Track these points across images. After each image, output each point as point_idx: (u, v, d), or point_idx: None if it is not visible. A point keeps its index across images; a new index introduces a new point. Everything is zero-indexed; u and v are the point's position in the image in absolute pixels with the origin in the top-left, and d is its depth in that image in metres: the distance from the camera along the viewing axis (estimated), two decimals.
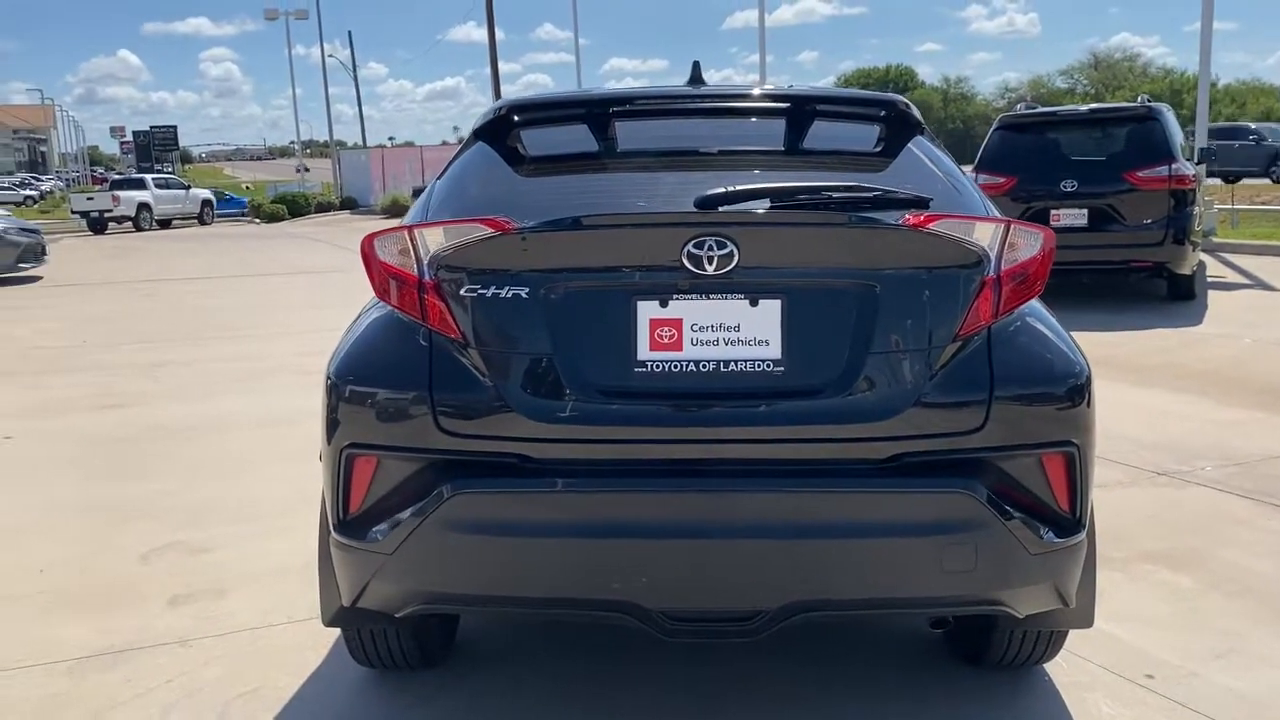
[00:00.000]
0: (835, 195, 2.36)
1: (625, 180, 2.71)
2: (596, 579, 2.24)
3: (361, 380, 2.36)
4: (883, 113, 2.78)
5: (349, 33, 71.36)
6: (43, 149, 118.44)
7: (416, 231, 2.32)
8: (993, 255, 2.32)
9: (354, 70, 58.06)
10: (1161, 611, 3.32)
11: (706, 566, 2.22)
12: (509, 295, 2.26)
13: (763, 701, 2.78)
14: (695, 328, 2.25)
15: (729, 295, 2.24)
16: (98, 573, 3.75)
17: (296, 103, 69.19)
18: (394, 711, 2.80)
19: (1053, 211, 9.49)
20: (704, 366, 2.24)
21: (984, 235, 2.32)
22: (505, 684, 2.91)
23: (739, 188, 2.35)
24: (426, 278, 2.31)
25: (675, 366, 2.24)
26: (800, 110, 2.80)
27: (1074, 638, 3.09)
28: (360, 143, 67.94)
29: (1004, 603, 2.32)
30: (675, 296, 2.25)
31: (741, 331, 2.24)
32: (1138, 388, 6.51)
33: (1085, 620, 2.63)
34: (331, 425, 2.37)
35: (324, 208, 36.77)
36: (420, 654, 2.82)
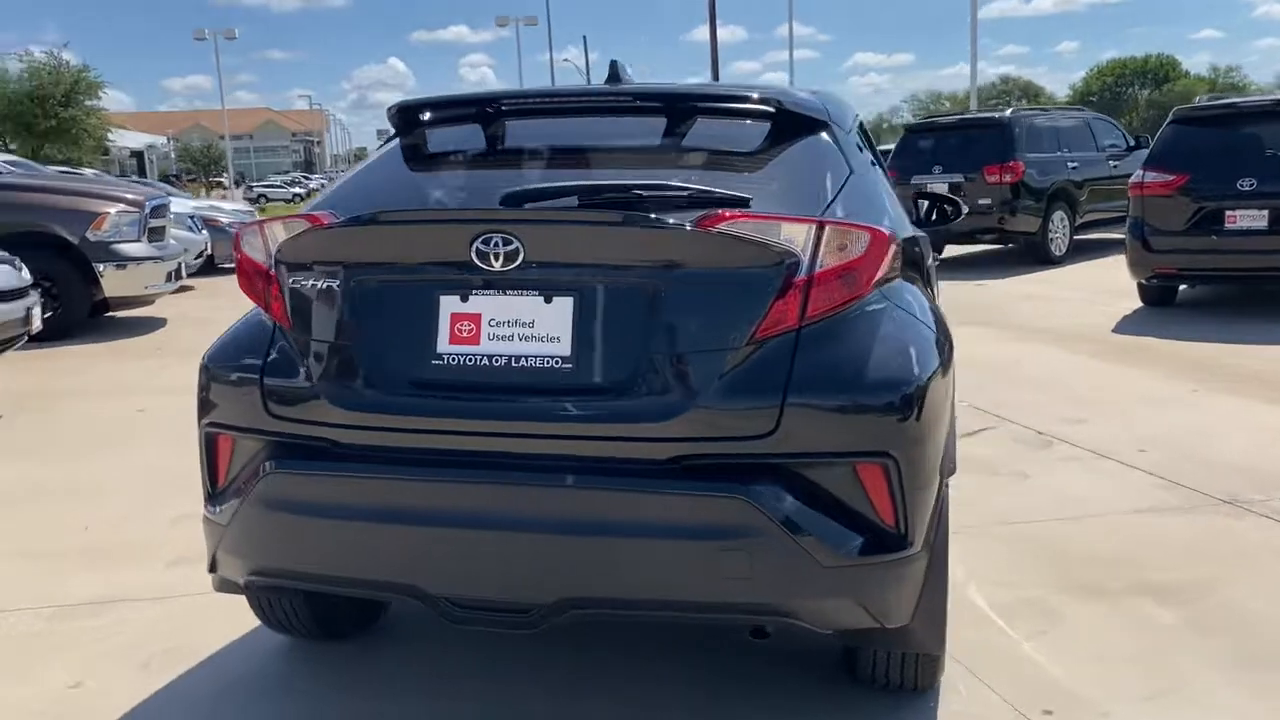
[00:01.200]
0: (644, 194, 2.34)
1: (465, 177, 2.76)
2: (387, 562, 2.34)
3: (219, 364, 2.56)
4: (765, 110, 2.72)
5: (584, 37, 73.47)
6: (316, 150, 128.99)
7: (267, 226, 2.49)
8: (804, 256, 2.25)
9: (587, 73, 59.98)
10: (1119, 646, 3.07)
11: (485, 557, 2.28)
12: (325, 287, 2.40)
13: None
14: (493, 323, 2.30)
15: (525, 292, 2.29)
16: (130, 532, 4.17)
17: None
18: (304, 674, 2.99)
19: (1228, 213, 8.69)
20: (497, 361, 2.29)
21: (793, 235, 2.25)
22: (433, 650, 3.03)
23: (545, 185, 2.38)
24: (271, 270, 2.48)
25: (471, 360, 2.31)
26: (680, 108, 2.77)
27: (995, 665, 2.94)
28: None
29: (792, 614, 2.25)
30: (475, 292, 2.31)
31: (535, 328, 2.28)
32: (1270, 405, 5.92)
33: (932, 645, 2.49)
34: (198, 405, 2.58)
35: None
36: (318, 625, 2.99)
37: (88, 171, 21.30)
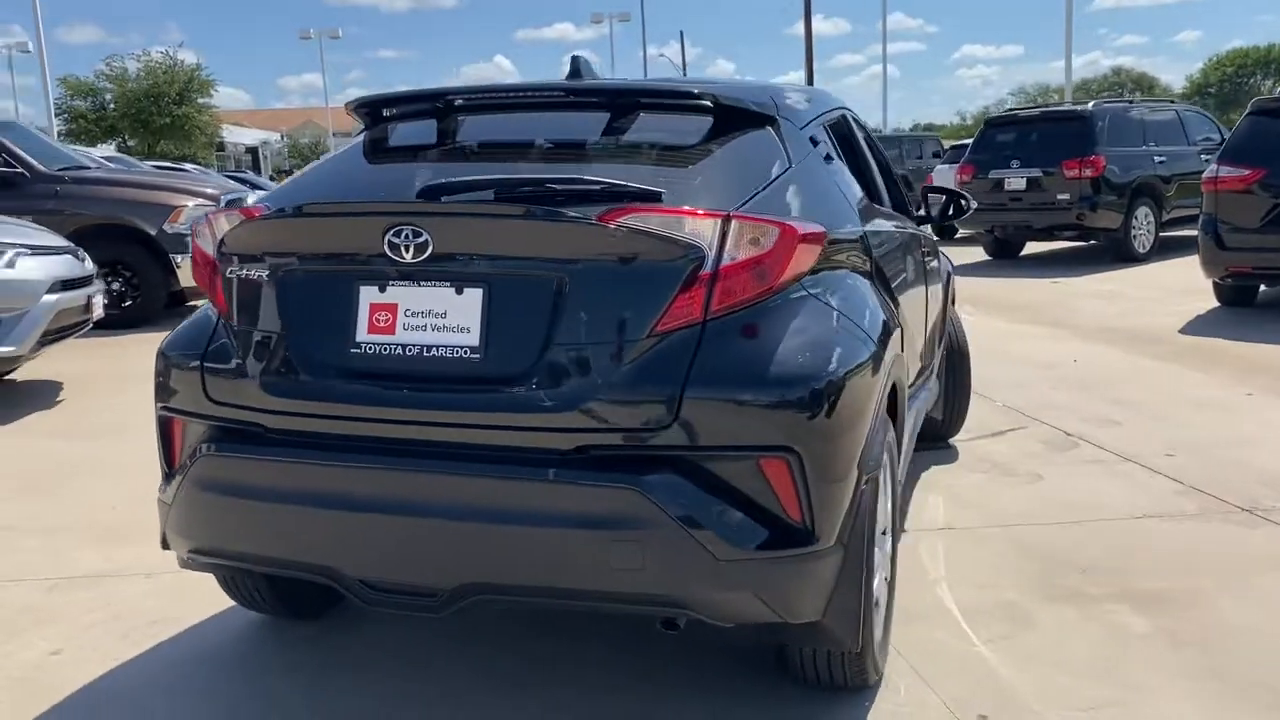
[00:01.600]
0: (557, 188, 2.37)
1: (398, 171, 2.81)
2: (306, 544, 2.43)
3: (171, 351, 2.68)
4: (703, 105, 2.72)
5: (680, 32, 73.50)
6: None
7: (214, 218, 2.60)
8: (710, 251, 2.26)
9: (684, 69, 59.98)
10: (1080, 654, 2.99)
11: (394, 542, 2.34)
12: (256, 277, 2.50)
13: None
14: (408, 313, 2.37)
15: (438, 283, 2.34)
16: (146, 510, 4.35)
17: None
18: (273, 650, 3.11)
19: None
20: (411, 351, 2.35)
21: (698, 230, 2.26)
22: (405, 630, 3.13)
23: (463, 179, 2.43)
24: (216, 260, 2.59)
25: (386, 350, 2.37)
26: (621, 104, 2.79)
27: (944, 666, 2.90)
28: None
29: (687, 606, 2.26)
30: (392, 283, 2.38)
31: (447, 319, 2.34)
32: None
33: (849, 642, 2.47)
34: (154, 390, 2.71)
35: None
36: (281, 603, 3.10)
37: (190, 167, 22.16)
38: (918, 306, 3.70)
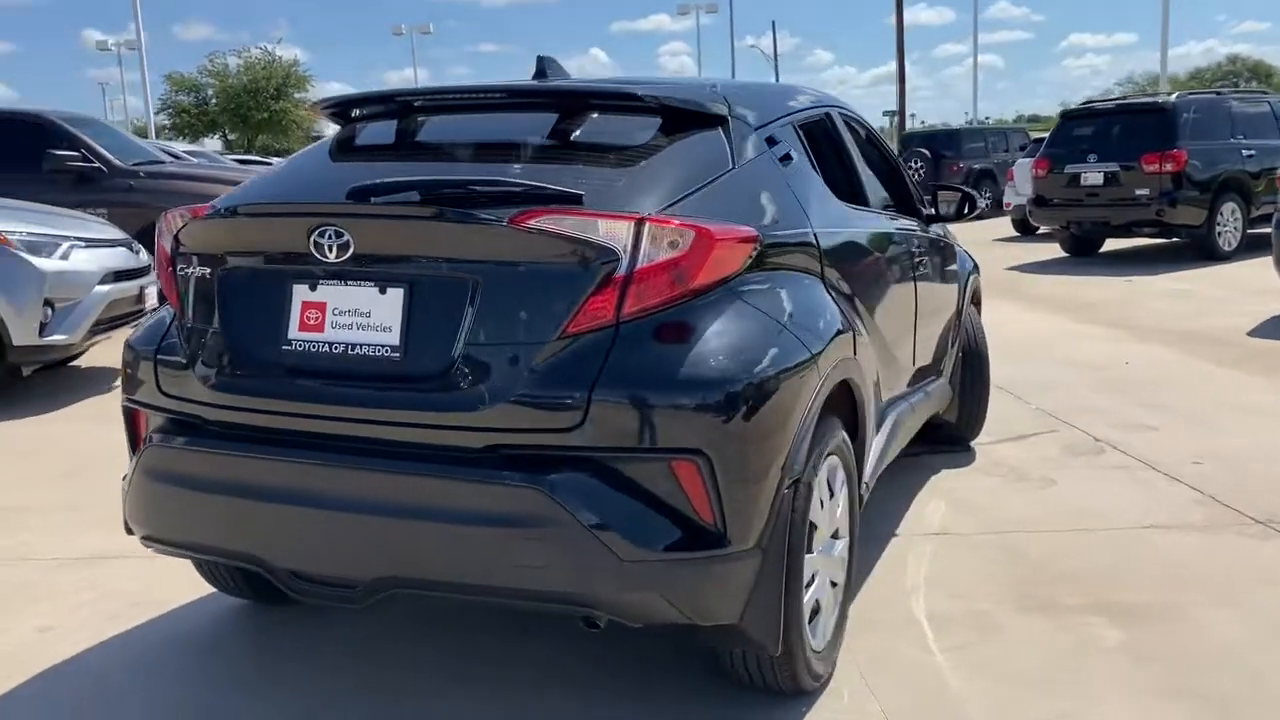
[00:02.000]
0: (480, 189, 2.40)
1: (339, 170, 2.84)
2: (239, 534, 2.51)
3: (134, 344, 2.79)
4: (646, 106, 2.72)
5: (772, 23, 72.94)
6: None
7: (169, 216, 2.70)
8: (624, 253, 2.27)
9: (775, 60, 59.56)
10: (1038, 666, 2.92)
11: (316, 534, 2.40)
12: (201, 275, 2.59)
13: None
14: (336, 312, 2.43)
15: (363, 283, 2.40)
16: None
17: None
18: (250, 632, 3.22)
19: None
20: (337, 349, 2.41)
21: (611, 232, 2.27)
22: (382, 617, 3.21)
23: (390, 179, 2.47)
24: (170, 257, 2.69)
25: (315, 347, 2.44)
26: (567, 106, 2.81)
27: (895, 674, 2.87)
28: None
29: (592, 605, 2.28)
30: (322, 282, 2.44)
31: (371, 318, 2.39)
32: None
33: (769, 645, 2.46)
34: (121, 382, 2.83)
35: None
36: (251, 589, 3.20)
37: (277, 161, 22.79)
38: (902, 309, 3.64)
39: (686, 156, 2.63)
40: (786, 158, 2.95)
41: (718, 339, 2.34)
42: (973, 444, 5.12)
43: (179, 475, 2.55)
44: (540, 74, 3.10)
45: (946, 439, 5.03)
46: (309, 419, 2.44)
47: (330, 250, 2.36)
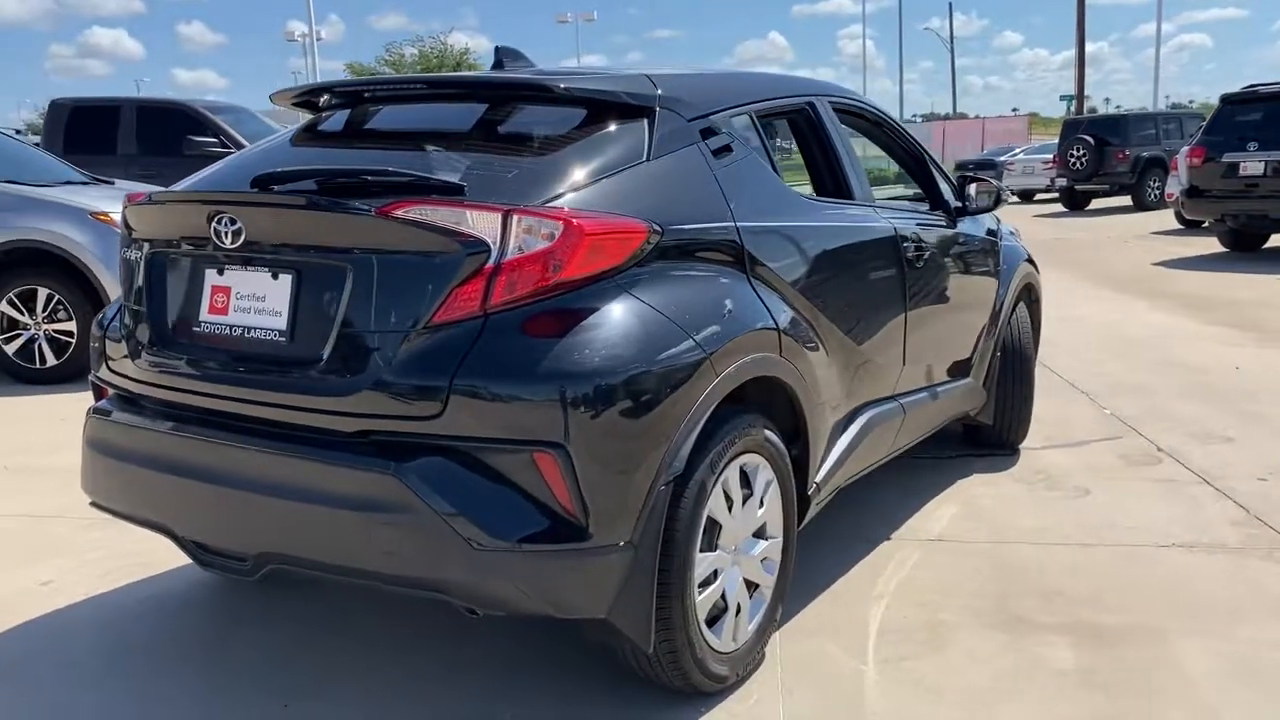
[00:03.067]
0: (369, 179, 2.44)
1: (260, 158, 2.87)
2: (152, 504, 2.66)
3: (97, 323, 2.98)
4: (572, 97, 2.71)
5: (949, 5, 70.56)
6: None
7: (126, 199, 2.87)
8: (493, 244, 2.28)
9: (950, 43, 57.78)
10: (973, 684, 2.78)
11: (211, 508, 2.52)
12: (134, 258, 2.74)
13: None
14: (238, 295, 2.53)
15: (260, 268, 2.49)
16: None
17: (903, 78, 70.14)
18: (232, 598, 3.40)
19: None
20: (236, 331, 2.52)
21: (479, 224, 2.29)
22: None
23: (289, 169, 2.55)
24: (121, 239, 2.86)
25: (219, 329, 2.55)
26: (498, 96, 2.83)
27: (817, 682, 2.81)
28: (964, 114, 67.26)
29: (445, 591, 2.31)
30: (227, 267, 2.55)
31: (265, 302, 2.49)
32: None
33: (641, 641, 2.43)
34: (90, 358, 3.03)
35: (879, 181, 37.18)
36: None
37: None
38: (885, 307, 3.48)
39: (596, 148, 2.61)
40: (724, 149, 2.88)
41: (587, 332, 2.32)
42: (1021, 448, 4.88)
43: (109, 446, 2.72)
44: (497, 65, 3.14)
45: (987, 442, 4.82)
46: (212, 398, 2.55)
47: (226, 237, 2.47)
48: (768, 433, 2.76)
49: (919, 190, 4.34)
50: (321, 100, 3.09)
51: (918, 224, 3.83)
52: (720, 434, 2.56)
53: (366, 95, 3.04)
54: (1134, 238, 15.81)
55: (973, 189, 4.25)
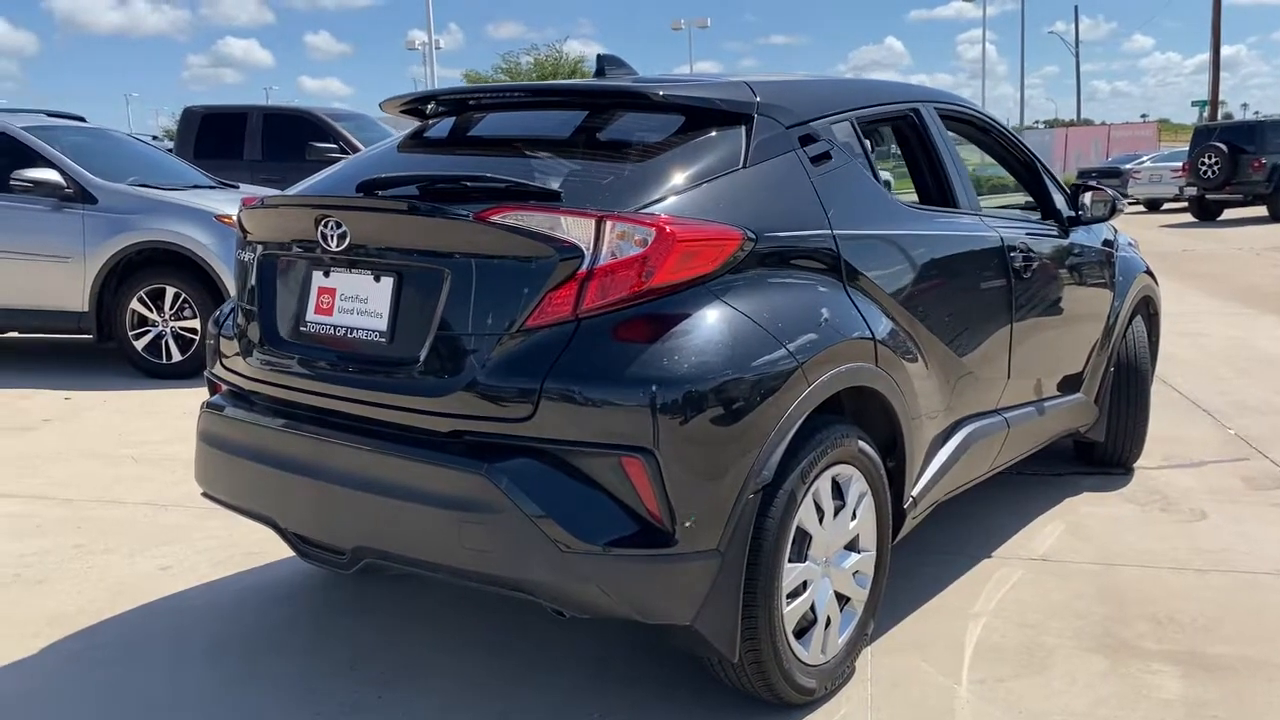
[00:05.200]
0: (470, 185, 2.49)
1: (370, 164, 2.94)
2: (260, 496, 2.75)
3: (211, 322, 3.11)
4: (669, 104, 2.72)
5: (1075, 7, 68.51)
6: None
7: (243, 204, 2.99)
8: (586, 250, 2.31)
9: (1076, 45, 56.18)
10: (1070, 709, 2.69)
11: (313, 502, 2.60)
12: (248, 260, 2.86)
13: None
14: (342, 297, 2.62)
15: (363, 271, 2.57)
16: None
17: (1024, 83, 68.40)
18: (330, 589, 3.51)
19: None
20: (340, 331, 2.60)
21: (573, 230, 2.32)
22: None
23: (395, 174, 2.62)
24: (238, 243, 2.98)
25: (324, 329, 2.64)
26: (597, 104, 2.85)
27: (906, 700, 2.76)
28: (1089, 120, 65.23)
29: (531, 591, 2.34)
30: (332, 270, 2.64)
31: (368, 304, 2.56)
32: None
33: (724, 652, 2.42)
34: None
35: (998, 189, 36.28)
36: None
37: None
38: (988, 319, 3.39)
39: (692, 155, 2.62)
40: (823, 156, 2.85)
41: (678, 339, 2.33)
42: (1136, 467, 4.70)
43: (220, 440, 2.84)
44: (599, 73, 3.17)
45: (1100, 460, 4.66)
46: (316, 395, 2.64)
47: (333, 240, 2.55)
48: (862, 444, 2.73)
49: (1033, 199, 4.23)
50: (428, 108, 3.16)
51: (1027, 233, 3.73)
52: (812, 443, 2.54)
53: (470, 103, 3.11)
54: (1267, 250, 15.09)
55: (1087, 198, 4.12)
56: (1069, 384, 4.13)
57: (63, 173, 6.95)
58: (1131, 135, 35.99)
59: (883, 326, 2.80)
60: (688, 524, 2.30)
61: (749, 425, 2.36)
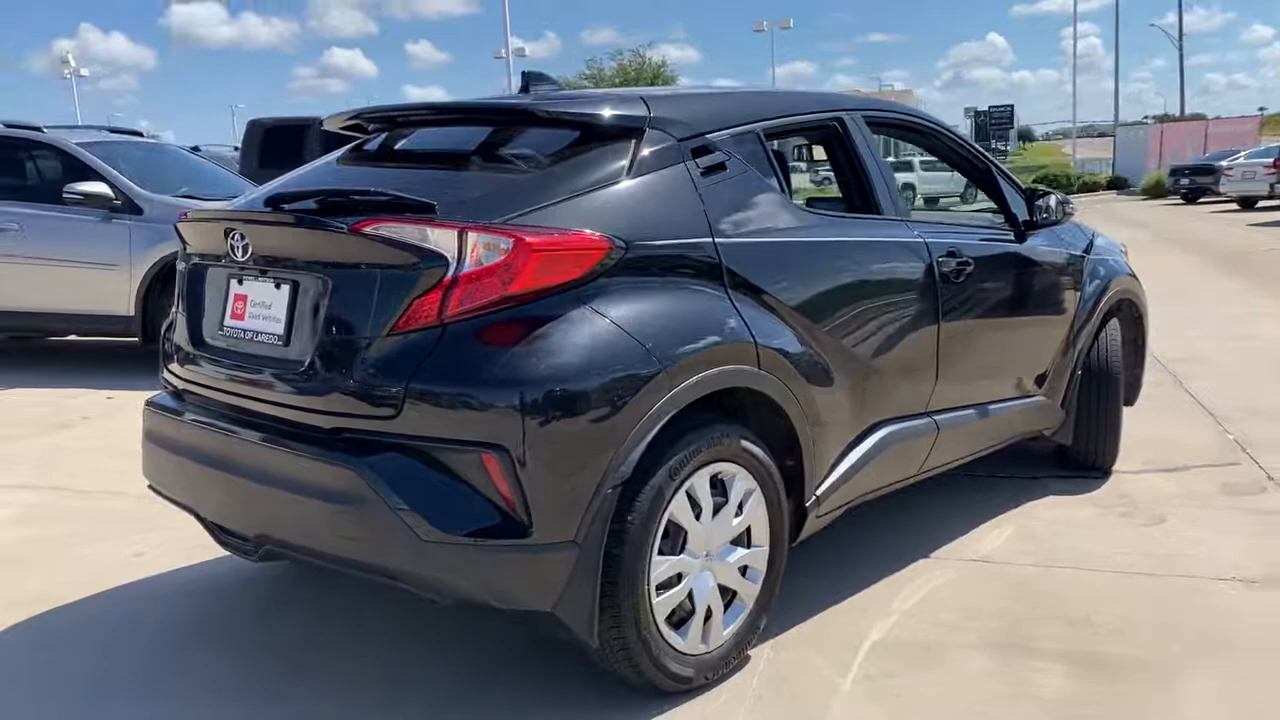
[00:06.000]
0: (358, 199, 2.67)
1: (284, 181, 3.17)
2: (185, 488, 2.98)
3: (165, 329, 3.35)
4: (560, 121, 2.87)
5: (1179, 2, 66.08)
6: None
7: (179, 217, 3.22)
8: (451, 259, 2.47)
9: (1179, 39, 54.48)
10: (939, 706, 2.75)
11: (222, 492, 2.81)
12: (181, 269, 3.09)
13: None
14: (252, 303, 2.82)
15: (267, 279, 2.77)
16: None
17: (1118, 78, 66.34)
18: (300, 584, 3.73)
19: None
20: (249, 335, 2.81)
21: (438, 240, 2.48)
22: None
23: (296, 189, 2.82)
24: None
25: (238, 333, 2.85)
26: (500, 120, 3.02)
27: (787, 693, 2.86)
28: (1200, 115, 63.05)
29: (398, 579, 2.50)
30: (245, 278, 2.85)
31: (271, 310, 2.76)
32: None
33: (585, 636, 2.55)
34: None
35: (1089, 188, 35.35)
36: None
37: None
38: (907, 323, 3.42)
39: (576, 168, 2.75)
40: (716, 167, 2.95)
41: (537, 342, 2.47)
42: (1115, 471, 4.67)
43: (157, 435, 3.07)
44: (524, 89, 3.32)
45: (1074, 464, 4.64)
46: (229, 395, 2.86)
47: (238, 251, 2.76)
48: (746, 443, 2.82)
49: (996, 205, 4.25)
50: (356, 124, 3.37)
51: (964, 238, 3.76)
52: (684, 442, 2.65)
53: (399, 119, 3.29)
54: None
55: (1042, 201, 4.13)
56: (1023, 386, 4.14)
57: (112, 185, 7.39)
58: (1232, 130, 34.64)
59: (768, 331, 2.88)
60: (545, 517, 2.44)
61: (605, 424, 2.49)
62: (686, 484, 2.68)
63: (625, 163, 2.79)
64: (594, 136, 2.84)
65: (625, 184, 2.76)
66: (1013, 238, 4.07)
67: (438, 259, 2.47)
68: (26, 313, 7.74)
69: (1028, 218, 4.12)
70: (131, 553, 3.99)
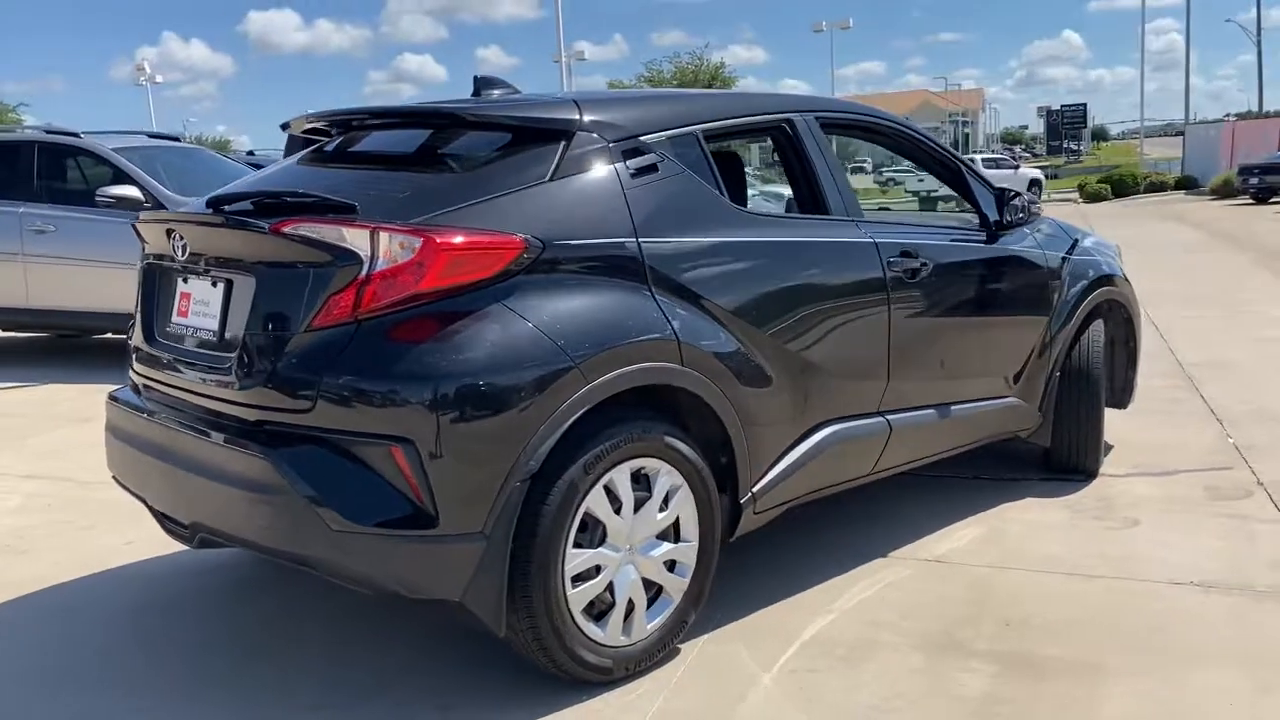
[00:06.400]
0: (287, 199, 2.77)
1: (234, 182, 3.30)
2: (136, 478, 3.11)
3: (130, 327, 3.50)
4: (491, 124, 2.95)
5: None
6: (967, 130, 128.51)
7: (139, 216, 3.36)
8: (365, 258, 2.57)
9: (1258, 35, 52.97)
10: (855, 700, 2.77)
11: (161, 482, 2.94)
12: (141, 266, 3.23)
13: None
14: (195, 301, 2.95)
15: (206, 278, 2.90)
16: None
17: (1189, 75, 64.47)
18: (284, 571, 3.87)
19: None
20: (191, 331, 2.94)
21: (351, 239, 2.58)
22: None
23: (236, 190, 2.93)
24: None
25: (182, 329, 2.98)
26: (437, 124, 3.10)
27: (705, 685, 2.91)
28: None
29: (312, 566, 2.60)
30: (188, 277, 2.97)
31: (209, 307, 2.89)
32: None
33: (493, 626, 2.62)
34: None
35: (1156, 187, 34.46)
36: None
37: None
38: (851, 323, 3.43)
39: (499, 170, 2.83)
40: (647, 169, 3.00)
41: (446, 339, 2.55)
42: (1102, 474, 4.62)
43: (114, 428, 3.22)
44: (476, 93, 3.41)
45: (1054, 466, 4.60)
46: (172, 388, 2.99)
47: (179, 251, 2.89)
48: (670, 439, 2.87)
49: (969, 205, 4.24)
50: (313, 128, 3.48)
51: (921, 239, 3.76)
52: (602, 437, 2.71)
53: (352, 123, 3.40)
54: None
55: (1018, 202, 4.11)
56: (992, 388, 4.12)
57: (142, 189, 7.65)
58: None
59: (695, 330, 2.92)
60: (452, 508, 2.52)
61: (512, 419, 2.56)
62: (604, 478, 2.74)
63: (552, 164, 2.86)
64: (525, 139, 2.92)
65: (548, 185, 2.82)
66: (983, 238, 4.05)
67: (352, 258, 2.56)
68: (66, 311, 8.06)
69: (998, 218, 4.10)
70: (123, 540, 4.16)
